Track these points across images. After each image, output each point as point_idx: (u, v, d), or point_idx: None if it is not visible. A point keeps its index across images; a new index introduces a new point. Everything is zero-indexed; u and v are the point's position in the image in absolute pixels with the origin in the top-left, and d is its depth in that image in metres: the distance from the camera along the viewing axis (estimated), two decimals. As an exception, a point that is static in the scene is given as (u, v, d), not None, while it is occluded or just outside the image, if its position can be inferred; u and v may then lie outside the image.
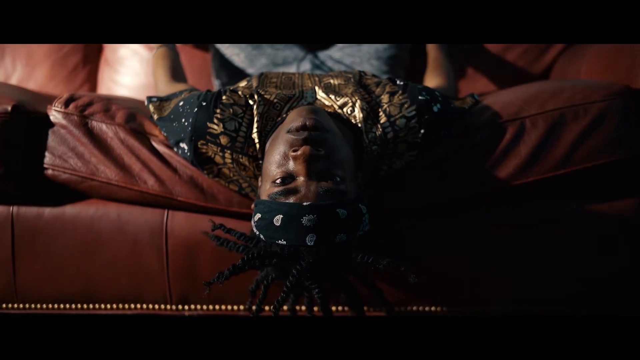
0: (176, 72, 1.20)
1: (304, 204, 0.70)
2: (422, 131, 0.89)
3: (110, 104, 1.01)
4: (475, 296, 0.97)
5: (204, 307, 1.00)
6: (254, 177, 0.92)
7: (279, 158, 0.75)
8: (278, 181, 0.74)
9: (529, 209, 0.93)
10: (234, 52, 1.35)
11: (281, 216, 0.71)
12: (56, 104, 0.98)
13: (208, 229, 0.88)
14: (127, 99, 1.13)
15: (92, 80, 1.55)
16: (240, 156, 0.89)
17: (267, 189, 0.76)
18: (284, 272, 0.76)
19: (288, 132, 0.76)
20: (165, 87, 1.13)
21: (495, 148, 0.91)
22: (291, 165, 0.74)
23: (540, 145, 0.90)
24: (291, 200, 0.72)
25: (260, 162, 0.89)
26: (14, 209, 0.98)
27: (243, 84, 0.99)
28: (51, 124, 0.98)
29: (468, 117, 0.96)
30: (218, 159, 0.91)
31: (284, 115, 0.88)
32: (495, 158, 0.91)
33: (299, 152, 0.72)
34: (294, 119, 0.77)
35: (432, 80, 1.21)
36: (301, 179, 0.73)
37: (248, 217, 0.92)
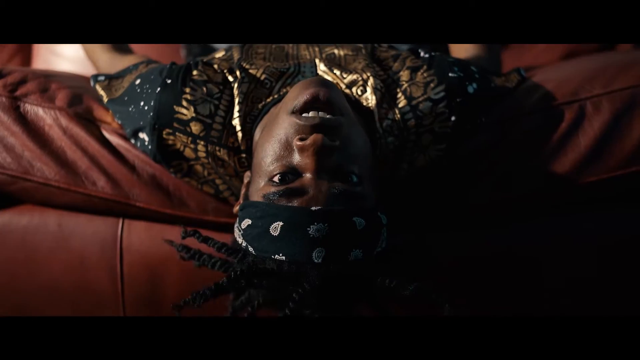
0: (120, 47, 1.16)
1: (312, 208, 0.69)
2: (453, 118, 0.89)
3: (48, 82, 1.01)
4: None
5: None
6: (234, 176, 0.92)
7: (279, 148, 0.74)
8: (277, 178, 0.73)
9: (592, 217, 0.94)
10: (208, 14, 1.35)
11: (281, 223, 0.69)
12: (-22, 82, 0.98)
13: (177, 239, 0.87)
14: (70, 76, 1.14)
15: (25, 51, 1.55)
16: (217, 148, 0.89)
17: (260, 188, 0.75)
18: (279, 296, 0.74)
19: (292, 112, 0.75)
20: (111, 63, 1.10)
21: (547, 139, 0.91)
22: (296, 157, 0.73)
23: (605, 135, 0.90)
24: (295, 203, 0.71)
25: (243, 155, 0.89)
26: None
27: (220, 54, 0.98)
28: (-28, 108, 0.98)
29: (513, 98, 0.96)
30: (189, 152, 0.91)
31: (276, 96, 0.88)
32: (547, 152, 0.91)
33: (307, 142, 0.71)
34: (299, 92, 0.75)
35: (463, 47, 1.19)
36: (308, 176, 0.72)
37: (226, 228, 0.92)
